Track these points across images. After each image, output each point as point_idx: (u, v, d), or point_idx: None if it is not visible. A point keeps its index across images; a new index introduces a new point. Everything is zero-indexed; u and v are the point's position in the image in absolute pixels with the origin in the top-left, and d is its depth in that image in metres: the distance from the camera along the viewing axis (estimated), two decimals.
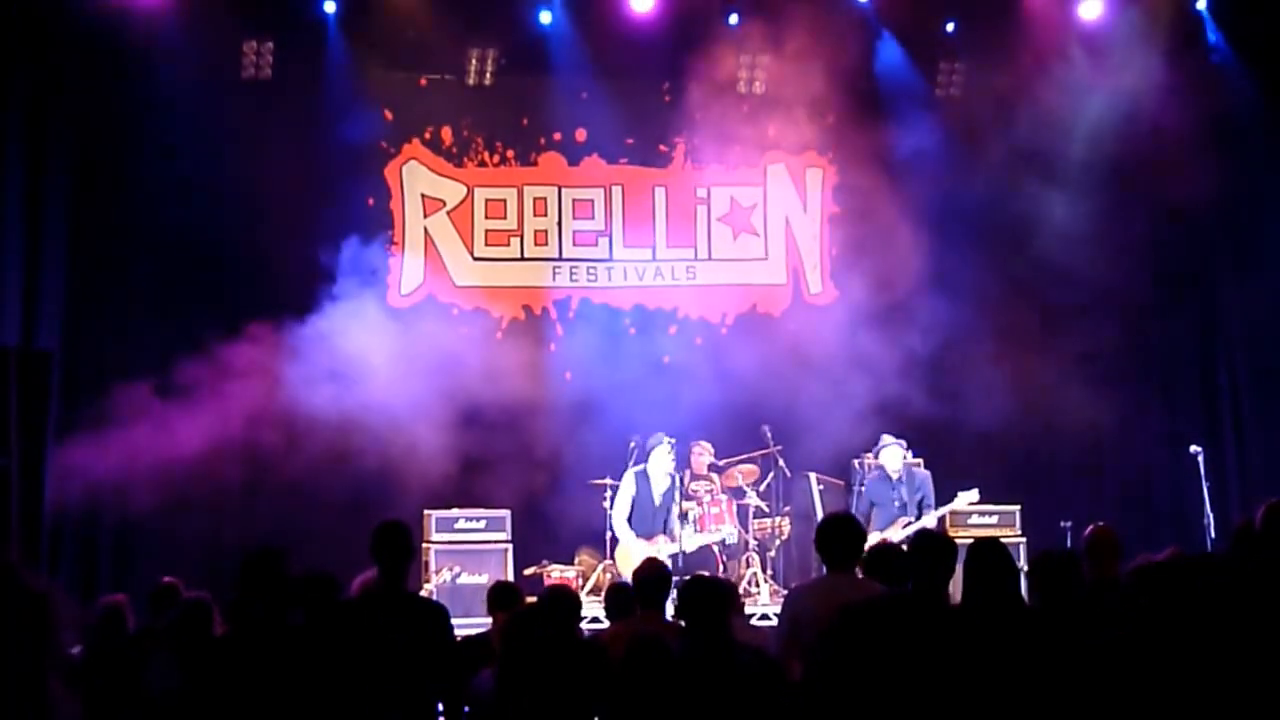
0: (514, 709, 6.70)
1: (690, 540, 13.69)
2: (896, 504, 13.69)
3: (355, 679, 6.70)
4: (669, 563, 13.09)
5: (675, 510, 13.66)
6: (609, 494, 14.26)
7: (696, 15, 15.34)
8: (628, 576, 10.14)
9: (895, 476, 13.83)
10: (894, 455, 13.87)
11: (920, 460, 14.62)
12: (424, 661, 6.90)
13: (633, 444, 14.27)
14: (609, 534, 14.20)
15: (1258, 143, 15.94)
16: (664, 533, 13.62)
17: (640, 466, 13.76)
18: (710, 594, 6.59)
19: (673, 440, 13.80)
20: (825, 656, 6.10)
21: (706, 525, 13.86)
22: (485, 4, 15.13)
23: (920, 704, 5.72)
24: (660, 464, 13.70)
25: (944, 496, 14.25)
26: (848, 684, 5.92)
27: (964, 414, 15.01)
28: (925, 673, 5.76)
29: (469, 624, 12.64)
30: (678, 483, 13.74)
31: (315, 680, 6.63)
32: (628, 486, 13.71)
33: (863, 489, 14.35)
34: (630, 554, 13.37)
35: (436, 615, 7.17)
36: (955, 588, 6.27)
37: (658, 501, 13.64)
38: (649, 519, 13.61)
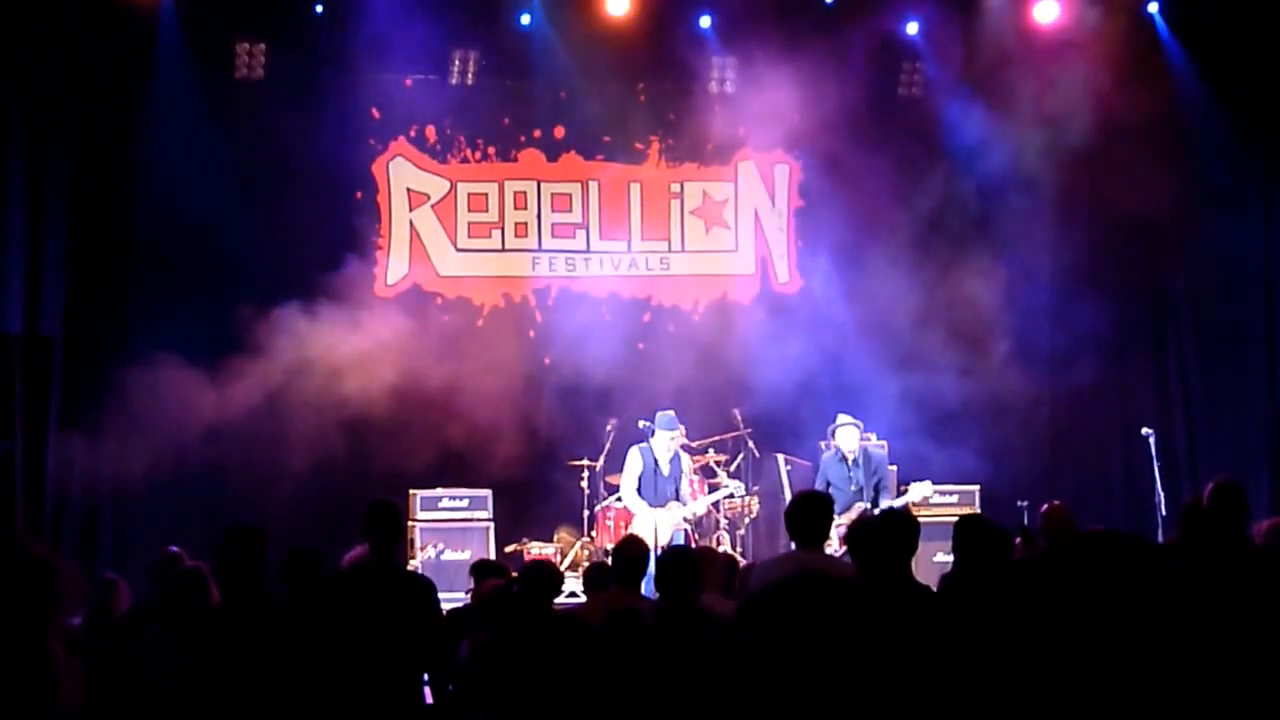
0: (492, 682, 7.02)
1: (703, 502, 13.90)
2: (853, 487, 13.51)
3: (348, 649, 6.93)
4: (686, 526, 13.54)
5: (685, 477, 13.78)
6: (586, 474, 14.61)
7: (670, 19, 15.70)
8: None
9: (851, 457, 13.63)
10: (849, 435, 13.69)
11: (878, 438, 14.87)
12: (412, 632, 7.15)
13: (609, 427, 14.61)
14: (587, 512, 14.56)
15: (1208, 140, 16.26)
16: (675, 499, 13.67)
17: (644, 443, 13.79)
18: (680, 567, 6.82)
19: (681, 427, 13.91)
20: (740, 637, 6.10)
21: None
22: (467, 7, 15.38)
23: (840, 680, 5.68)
24: (665, 441, 13.66)
25: (905, 475, 14.63)
26: (764, 664, 5.88)
27: (923, 396, 15.39)
28: (846, 648, 5.68)
29: (452, 598, 13.25)
30: (682, 454, 13.85)
31: (309, 650, 6.84)
32: (634, 462, 13.68)
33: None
34: (645, 524, 13.42)
35: (425, 588, 7.44)
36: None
37: (666, 471, 13.66)
38: (660, 489, 13.63)
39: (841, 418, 13.86)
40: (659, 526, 13.36)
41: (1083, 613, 5.93)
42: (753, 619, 5.83)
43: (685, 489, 13.79)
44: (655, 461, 13.71)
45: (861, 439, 13.94)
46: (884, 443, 15.00)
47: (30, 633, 2.82)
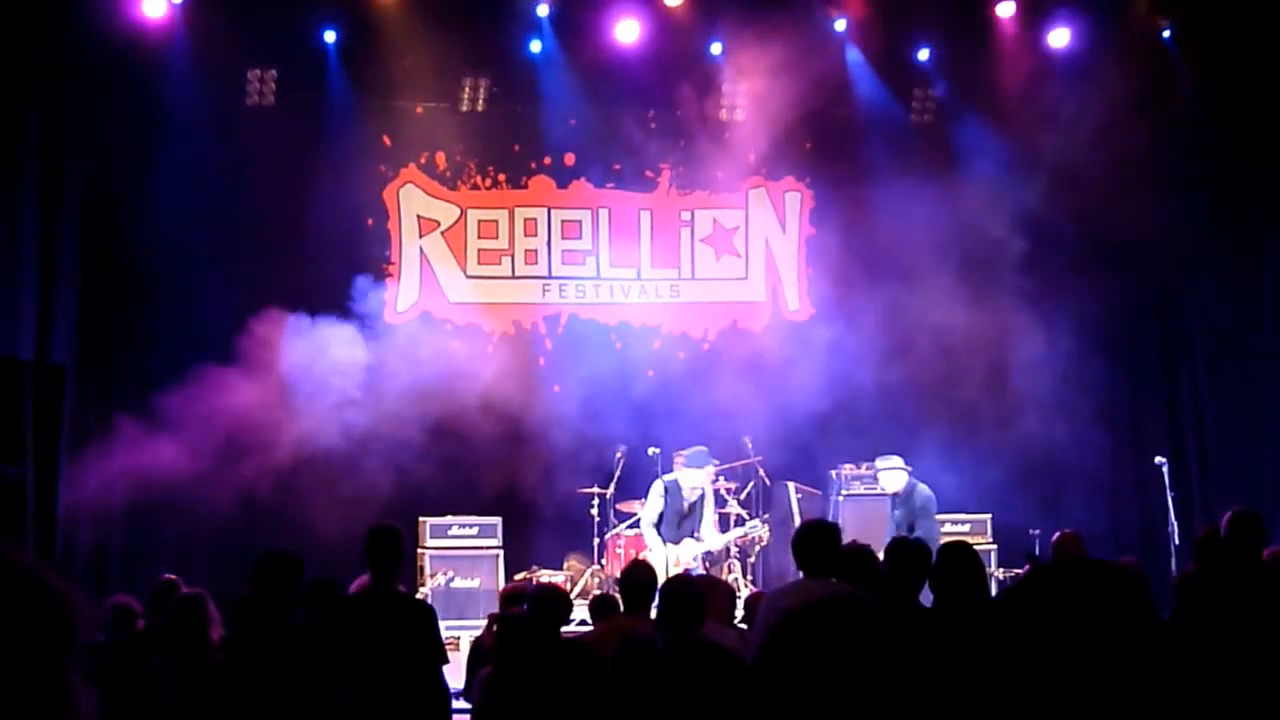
0: (505, 708, 7.02)
1: (720, 539, 13.82)
2: (892, 525, 13.55)
3: (348, 674, 6.99)
4: (698, 561, 13.40)
5: (709, 514, 13.73)
6: (595, 501, 14.62)
7: (680, 46, 15.76)
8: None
9: (895, 495, 13.77)
10: (892, 479, 13.76)
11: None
12: (413, 659, 7.21)
13: (619, 454, 14.61)
14: (597, 540, 14.56)
15: (1221, 166, 16.33)
16: (692, 536, 13.63)
17: (671, 476, 13.77)
18: (682, 596, 6.74)
19: (716, 463, 13.88)
20: (769, 654, 6.06)
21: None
22: (478, 34, 15.44)
23: (868, 704, 5.63)
24: (694, 478, 13.58)
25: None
26: (790, 681, 5.85)
27: (935, 424, 15.40)
28: (876, 671, 5.57)
29: (462, 626, 13.24)
30: (708, 491, 13.77)
31: (309, 675, 6.89)
32: (656, 497, 13.58)
33: (839, 498, 14.76)
34: (659, 559, 13.18)
35: (424, 614, 7.52)
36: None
37: (687, 510, 13.58)
38: (680, 526, 13.58)
39: (885, 460, 13.91)
40: (672, 563, 13.27)
41: (1084, 619, 5.98)
42: (786, 644, 5.78)
43: (706, 528, 13.67)
44: (681, 498, 13.59)
45: (906, 471, 13.92)
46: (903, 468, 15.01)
47: (48, 666, 2.74)
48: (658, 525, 13.55)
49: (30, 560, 2.73)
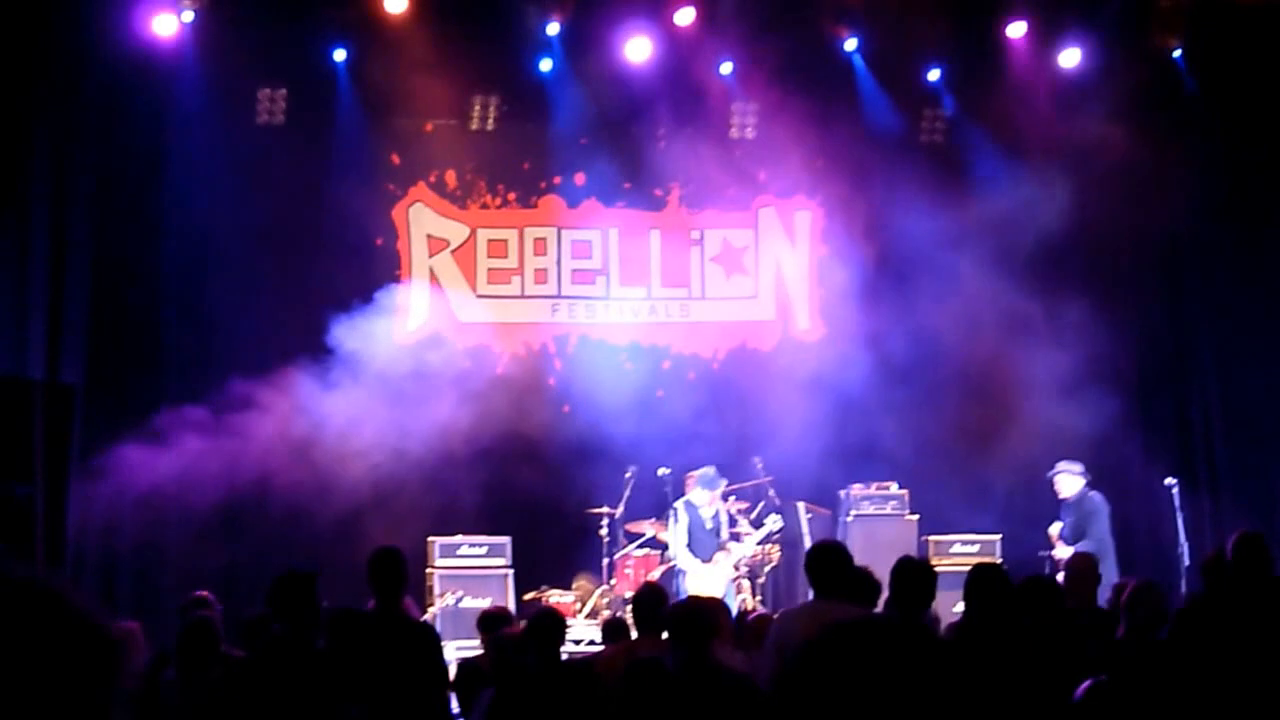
0: None
1: (746, 546, 13.97)
2: (1065, 530, 13.90)
3: (349, 697, 6.95)
4: (735, 571, 13.66)
5: (725, 528, 13.91)
6: (605, 522, 14.59)
7: (690, 64, 15.73)
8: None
9: (1064, 501, 14.04)
10: (1066, 483, 14.02)
11: (898, 486, 15.11)
12: (414, 681, 7.18)
13: (629, 475, 14.58)
14: (606, 560, 14.55)
15: (1230, 185, 16.26)
16: (719, 550, 13.80)
17: (685, 498, 13.98)
18: (695, 617, 6.76)
19: (724, 481, 14.05)
20: (803, 671, 6.36)
21: None
22: (488, 52, 15.47)
23: None
24: (707, 498, 13.86)
25: (926, 525, 14.77)
26: (824, 701, 6.19)
27: (945, 444, 15.37)
28: (911, 694, 5.98)
29: (471, 646, 13.22)
30: (724, 507, 13.94)
31: (311, 697, 6.84)
32: (681, 519, 13.82)
33: (848, 519, 14.85)
34: (699, 579, 13.54)
35: (426, 636, 7.50)
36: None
37: (709, 525, 13.80)
38: (706, 543, 13.74)
39: (1062, 464, 14.11)
40: (711, 583, 13.36)
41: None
42: (808, 669, 5.76)
43: (726, 536, 13.89)
44: (700, 516, 13.75)
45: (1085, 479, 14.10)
46: (905, 492, 15.05)
47: (93, 707, 2.72)
48: (691, 547, 13.71)
49: (79, 600, 2.72)
